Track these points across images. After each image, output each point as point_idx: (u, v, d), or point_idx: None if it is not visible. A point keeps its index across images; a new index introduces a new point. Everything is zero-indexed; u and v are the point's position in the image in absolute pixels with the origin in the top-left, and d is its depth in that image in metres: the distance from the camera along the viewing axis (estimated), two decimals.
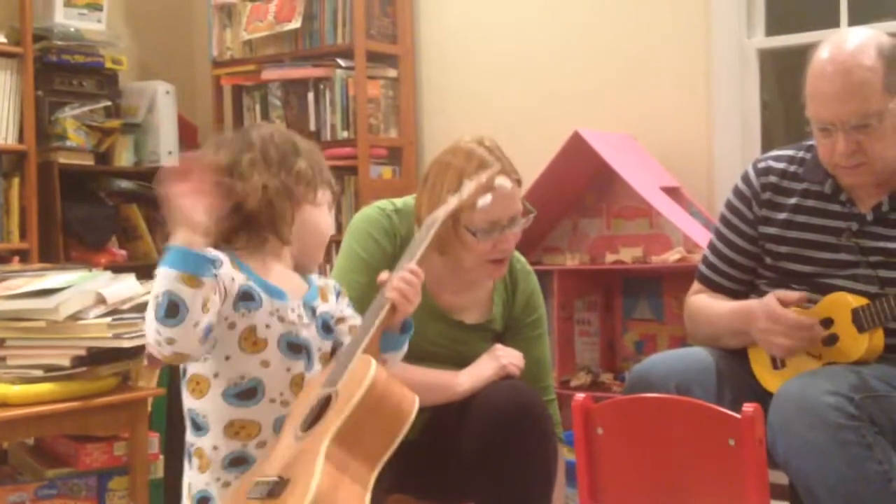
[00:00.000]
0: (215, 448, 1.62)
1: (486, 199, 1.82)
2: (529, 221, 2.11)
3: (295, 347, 1.67)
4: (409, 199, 2.20)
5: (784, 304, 2.00)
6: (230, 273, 1.60)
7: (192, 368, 1.64)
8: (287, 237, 1.70)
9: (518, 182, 2.09)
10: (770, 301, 2.01)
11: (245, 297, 1.62)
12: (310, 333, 1.69)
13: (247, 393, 1.62)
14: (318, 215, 1.75)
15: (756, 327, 2.02)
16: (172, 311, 1.45)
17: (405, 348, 1.79)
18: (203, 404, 1.63)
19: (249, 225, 1.67)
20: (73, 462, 2.36)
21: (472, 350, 2.13)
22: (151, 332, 1.48)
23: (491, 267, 2.11)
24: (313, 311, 1.72)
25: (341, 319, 1.78)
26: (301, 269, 1.76)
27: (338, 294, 1.81)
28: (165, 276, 1.47)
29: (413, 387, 1.99)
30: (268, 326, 1.63)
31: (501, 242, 2.07)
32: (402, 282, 1.70)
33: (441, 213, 1.82)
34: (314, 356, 1.70)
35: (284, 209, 1.68)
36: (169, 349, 1.49)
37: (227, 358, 1.62)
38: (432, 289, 2.15)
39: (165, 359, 1.54)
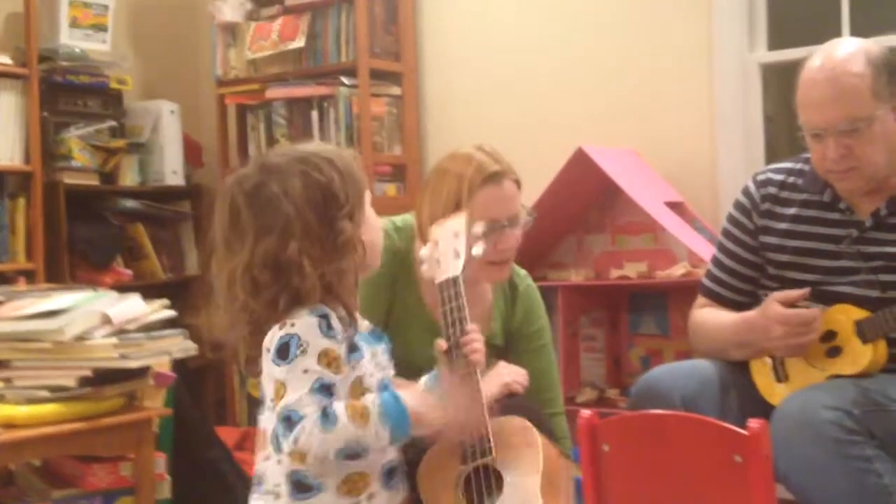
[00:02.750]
0: None
1: (477, 249, 1.79)
2: (530, 223, 2.13)
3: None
4: (408, 217, 2.21)
5: (787, 304, 2.01)
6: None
7: None
8: (355, 297, 1.62)
9: (517, 183, 2.11)
10: (774, 307, 2.02)
11: (352, 350, 1.59)
12: (391, 372, 1.68)
13: None
14: (369, 224, 1.67)
15: (771, 336, 2.03)
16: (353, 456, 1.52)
17: None
18: (315, 464, 1.54)
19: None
20: (80, 483, 2.36)
21: None
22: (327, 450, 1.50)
23: (493, 269, 2.11)
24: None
25: None
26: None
27: None
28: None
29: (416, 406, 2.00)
30: (371, 375, 1.61)
31: (502, 243, 2.07)
32: (478, 344, 1.70)
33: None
34: None
35: (347, 278, 1.59)
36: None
37: None
38: (431, 304, 2.16)
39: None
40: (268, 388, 1.56)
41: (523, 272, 2.29)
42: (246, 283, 1.56)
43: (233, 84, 4.01)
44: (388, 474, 1.62)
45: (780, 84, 3.36)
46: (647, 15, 3.36)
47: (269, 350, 1.54)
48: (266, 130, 3.94)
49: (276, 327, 1.55)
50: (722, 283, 2.23)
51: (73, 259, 3.69)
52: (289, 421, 1.49)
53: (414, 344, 2.14)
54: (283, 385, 1.51)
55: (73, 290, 2.35)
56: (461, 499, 1.63)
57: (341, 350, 1.54)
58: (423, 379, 1.66)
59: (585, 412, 1.67)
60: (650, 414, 1.73)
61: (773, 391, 2.08)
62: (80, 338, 2.15)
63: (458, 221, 1.77)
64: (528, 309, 2.25)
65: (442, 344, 1.69)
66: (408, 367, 1.93)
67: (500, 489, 1.62)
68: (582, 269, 3.20)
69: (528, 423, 1.68)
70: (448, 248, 1.73)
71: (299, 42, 3.78)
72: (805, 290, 2.04)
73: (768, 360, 2.11)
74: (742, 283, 2.21)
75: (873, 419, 1.81)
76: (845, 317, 2.02)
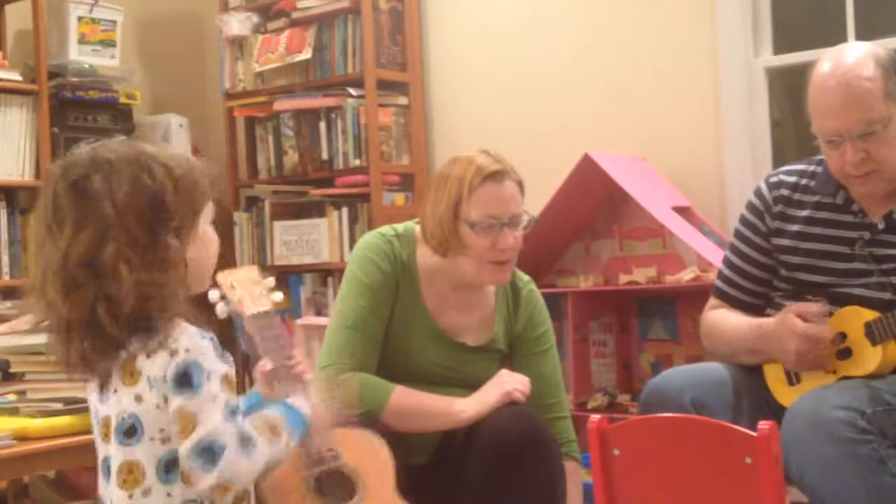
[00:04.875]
0: None
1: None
2: (530, 226, 2.14)
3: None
4: (409, 224, 2.23)
5: (805, 318, 2.02)
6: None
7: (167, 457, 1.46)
8: (183, 307, 1.47)
9: (520, 185, 2.13)
10: (794, 321, 2.02)
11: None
12: None
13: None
14: (202, 243, 1.53)
15: (787, 349, 2.03)
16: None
17: None
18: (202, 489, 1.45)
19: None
20: (94, 494, 2.35)
21: (477, 372, 2.14)
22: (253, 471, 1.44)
23: (492, 269, 2.12)
24: None
25: None
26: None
27: None
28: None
29: (419, 412, 2.03)
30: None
31: (500, 241, 2.08)
32: (302, 366, 1.67)
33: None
34: None
35: (171, 291, 1.45)
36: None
37: None
38: (433, 311, 2.17)
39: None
40: (151, 417, 1.44)
41: (526, 277, 2.31)
42: (58, 281, 1.45)
43: (241, 97, 4.03)
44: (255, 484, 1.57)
45: (786, 88, 3.37)
46: (652, 21, 3.37)
47: (162, 379, 1.43)
48: (274, 142, 3.96)
49: (162, 353, 1.43)
50: (734, 285, 2.24)
51: None
52: (210, 453, 1.39)
53: (416, 349, 2.15)
54: (192, 416, 1.40)
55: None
56: (316, 502, 1.65)
57: (232, 372, 1.47)
58: (242, 399, 1.57)
59: (595, 417, 1.68)
60: (659, 417, 1.74)
61: (785, 393, 2.09)
62: None
63: (252, 273, 1.74)
64: (531, 313, 2.26)
65: (265, 364, 1.62)
66: (412, 372, 1.95)
67: (352, 494, 1.69)
68: (590, 275, 3.20)
69: (376, 438, 1.77)
70: (250, 289, 1.69)
71: (306, 54, 3.80)
72: (825, 309, 2.04)
73: (789, 368, 2.11)
74: (754, 284, 2.21)
75: (885, 419, 1.82)
76: (855, 319, 2.02)
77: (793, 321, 2.01)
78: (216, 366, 1.44)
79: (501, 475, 1.96)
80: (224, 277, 1.68)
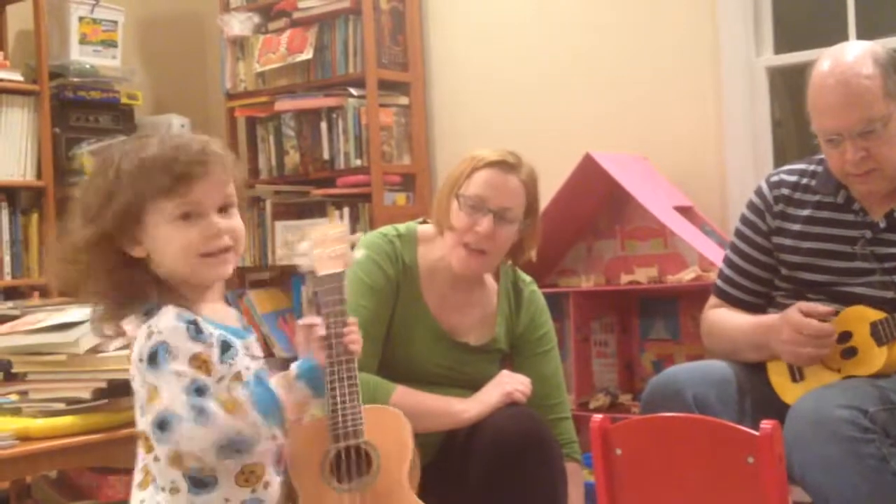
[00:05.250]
0: (227, 501, 1.56)
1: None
2: (517, 230, 2.14)
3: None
4: (412, 224, 2.24)
5: (807, 314, 2.02)
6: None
7: None
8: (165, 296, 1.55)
9: (525, 186, 2.13)
10: (793, 313, 2.03)
11: (225, 348, 1.56)
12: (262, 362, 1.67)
13: None
14: (160, 239, 1.55)
15: (779, 339, 2.04)
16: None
17: None
18: (195, 465, 1.54)
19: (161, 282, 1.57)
20: (96, 494, 2.37)
21: (479, 372, 2.14)
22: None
23: (462, 253, 2.11)
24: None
25: None
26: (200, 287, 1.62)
27: None
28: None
29: (420, 412, 2.03)
30: (247, 368, 1.59)
31: (478, 224, 2.08)
32: (355, 335, 1.74)
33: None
34: None
35: (141, 287, 1.55)
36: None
37: None
38: (435, 311, 2.17)
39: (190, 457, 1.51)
40: (141, 392, 1.55)
41: (528, 278, 2.31)
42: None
43: (242, 97, 4.03)
44: (277, 459, 1.61)
45: (787, 87, 3.37)
46: (653, 21, 3.37)
47: (141, 360, 1.52)
48: (276, 142, 3.96)
49: (142, 335, 1.53)
50: (735, 285, 2.24)
51: None
52: (164, 423, 1.48)
53: (418, 349, 2.15)
54: (155, 389, 1.50)
55: (87, 304, 2.37)
56: (329, 475, 1.67)
57: (212, 352, 1.53)
58: (294, 365, 1.63)
59: (597, 417, 1.68)
60: (661, 417, 1.74)
61: (789, 391, 2.09)
62: (95, 350, 2.17)
63: (339, 229, 1.83)
64: (533, 314, 2.26)
65: (321, 330, 1.66)
66: (413, 372, 1.94)
67: (368, 469, 1.68)
68: (592, 275, 3.21)
69: (403, 417, 1.78)
70: (331, 247, 1.78)
71: (307, 54, 3.80)
72: (829, 310, 2.04)
73: (787, 362, 2.12)
74: (755, 284, 2.21)
75: (888, 418, 1.82)
76: (860, 318, 2.02)
77: (794, 313, 2.02)
78: (187, 345, 1.50)
79: (502, 475, 1.96)
80: (312, 234, 1.80)
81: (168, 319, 1.52)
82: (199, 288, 1.59)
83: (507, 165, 2.11)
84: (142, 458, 1.61)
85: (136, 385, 1.56)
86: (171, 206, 1.53)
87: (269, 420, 1.53)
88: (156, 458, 1.57)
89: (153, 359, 1.50)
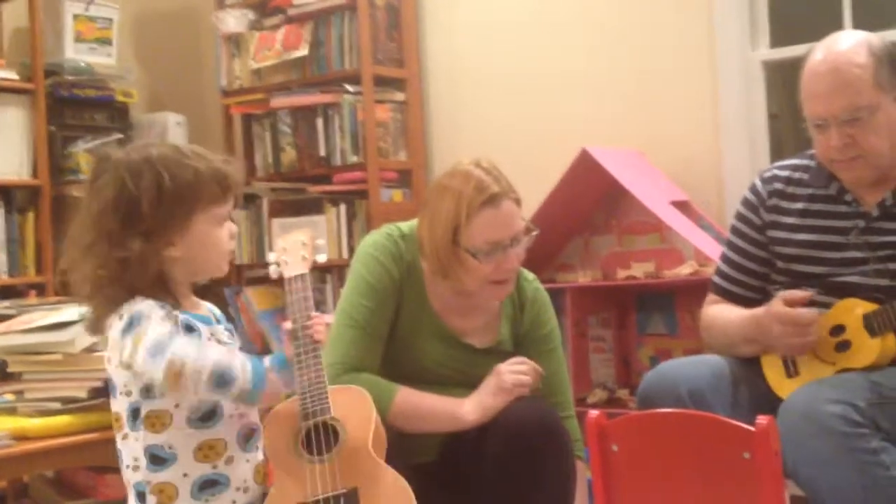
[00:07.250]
0: (185, 475, 1.65)
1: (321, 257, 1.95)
2: (532, 240, 2.12)
3: None
4: (414, 224, 2.22)
5: (790, 304, 2.03)
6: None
7: (147, 406, 1.65)
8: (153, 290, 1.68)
9: (517, 202, 2.11)
10: (775, 305, 2.04)
11: (189, 329, 1.67)
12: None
13: (207, 415, 1.67)
14: (197, 242, 1.71)
15: (770, 335, 2.05)
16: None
17: None
18: (167, 436, 1.65)
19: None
20: (93, 493, 2.37)
21: (485, 374, 2.13)
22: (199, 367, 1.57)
23: (495, 288, 2.11)
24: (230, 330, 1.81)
25: None
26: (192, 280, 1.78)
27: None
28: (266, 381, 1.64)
29: (423, 414, 2.03)
30: None
31: (505, 262, 2.07)
32: (320, 326, 1.82)
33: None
34: None
35: (131, 282, 1.66)
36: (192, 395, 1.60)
37: None
38: (440, 312, 2.16)
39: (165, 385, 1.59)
40: (118, 376, 1.66)
41: (531, 276, 2.29)
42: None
43: (238, 94, 4.03)
44: (246, 438, 1.72)
45: (783, 81, 3.37)
46: (649, 16, 3.36)
47: (116, 339, 1.63)
48: (272, 139, 3.96)
49: (115, 320, 1.64)
50: (732, 280, 2.25)
51: None
52: (157, 346, 1.56)
53: (424, 350, 2.14)
54: (138, 336, 1.59)
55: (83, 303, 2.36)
56: (301, 450, 1.77)
57: (178, 329, 1.64)
58: (267, 357, 1.74)
59: (593, 412, 1.68)
60: (658, 413, 1.74)
61: (784, 385, 2.09)
62: (90, 349, 2.17)
63: (305, 233, 1.96)
64: (537, 313, 2.25)
65: (287, 324, 1.80)
66: (420, 372, 1.94)
67: (336, 442, 1.79)
68: (589, 270, 3.20)
69: (366, 394, 1.88)
70: (296, 253, 1.91)
71: (303, 51, 3.79)
72: (807, 293, 2.05)
73: (779, 355, 2.12)
74: (751, 278, 2.22)
75: (880, 412, 1.82)
76: (854, 311, 2.03)
77: (776, 305, 2.04)
78: (160, 313, 1.62)
79: (515, 472, 1.95)
80: (280, 242, 1.93)
81: (143, 301, 1.64)
82: (184, 285, 1.73)
83: (496, 198, 2.05)
84: (118, 438, 1.71)
85: (112, 367, 1.66)
86: (222, 211, 1.72)
87: (255, 378, 1.62)
88: (124, 437, 1.67)
89: (129, 325, 1.61)
